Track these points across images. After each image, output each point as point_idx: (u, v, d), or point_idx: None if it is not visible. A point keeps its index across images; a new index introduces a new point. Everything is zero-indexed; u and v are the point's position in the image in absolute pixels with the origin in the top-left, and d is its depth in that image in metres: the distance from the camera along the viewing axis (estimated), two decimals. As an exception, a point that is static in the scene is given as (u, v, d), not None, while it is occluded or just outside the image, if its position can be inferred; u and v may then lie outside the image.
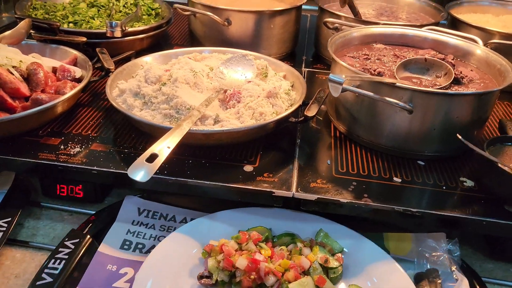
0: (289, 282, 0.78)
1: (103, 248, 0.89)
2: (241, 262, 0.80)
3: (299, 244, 0.87)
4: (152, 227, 0.96)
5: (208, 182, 0.88)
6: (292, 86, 1.14)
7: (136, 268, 0.85)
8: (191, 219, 0.97)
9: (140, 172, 0.78)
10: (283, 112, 1.01)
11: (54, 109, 1.00)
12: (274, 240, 0.89)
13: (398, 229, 0.96)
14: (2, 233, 0.87)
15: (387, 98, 0.87)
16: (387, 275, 0.83)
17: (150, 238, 0.94)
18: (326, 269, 0.84)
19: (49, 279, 0.78)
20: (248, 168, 0.93)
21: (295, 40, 1.52)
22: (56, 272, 0.79)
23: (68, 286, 0.79)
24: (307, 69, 1.44)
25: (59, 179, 0.99)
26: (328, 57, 1.46)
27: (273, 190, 0.87)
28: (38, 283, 0.77)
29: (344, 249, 0.88)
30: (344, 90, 0.85)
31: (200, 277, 0.82)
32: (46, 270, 0.80)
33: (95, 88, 1.21)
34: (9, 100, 0.98)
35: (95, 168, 0.91)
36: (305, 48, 1.61)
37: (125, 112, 0.95)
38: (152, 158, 0.80)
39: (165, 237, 0.91)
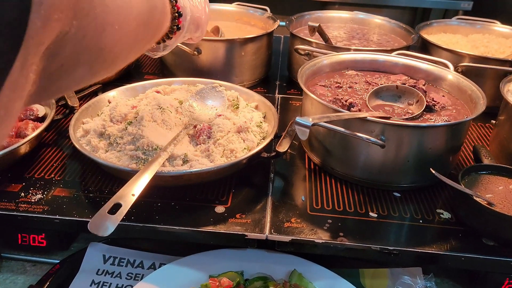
0: None
1: None
2: None
3: None
4: (118, 275, 0.90)
5: (178, 228, 0.85)
6: (264, 117, 1.12)
7: None
8: (160, 264, 0.92)
9: (102, 226, 0.73)
10: (255, 147, 0.98)
11: (14, 153, 0.95)
12: (246, 284, 0.85)
13: (374, 264, 0.93)
14: (-44, 293, 0.81)
15: (358, 134, 0.85)
16: None
17: None
18: None
19: None
20: (220, 209, 0.90)
21: (267, 66, 1.50)
22: None
23: None
24: (281, 95, 1.41)
25: (21, 228, 0.94)
26: (301, 82, 1.44)
27: (246, 233, 0.84)
28: None
29: (320, 290, 0.85)
30: (314, 125, 0.83)
31: None
32: None
33: (59, 126, 1.17)
34: (-36, 146, 0.93)
35: (57, 216, 0.86)
36: (278, 71, 1.59)
37: (89, 155, 0.91)
38: (115, 208, 0.76)
39: (132, 286, 0.86)
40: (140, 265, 0.93)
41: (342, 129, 0.86)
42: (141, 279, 0.87)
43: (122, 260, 0.93)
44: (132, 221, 0.85)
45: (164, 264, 0.90)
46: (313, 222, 0.87)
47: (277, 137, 1.01)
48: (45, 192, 0.92)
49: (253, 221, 0.87)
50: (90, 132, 1.00)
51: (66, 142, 1.10)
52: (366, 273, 0.91)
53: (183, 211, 0.89)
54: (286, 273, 0.87)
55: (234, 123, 1.03)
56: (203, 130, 1.01)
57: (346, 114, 0.90)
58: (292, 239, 0.83)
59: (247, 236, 0.84)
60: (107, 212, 0.75)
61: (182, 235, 0.85)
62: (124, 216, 0.75)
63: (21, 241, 0.93)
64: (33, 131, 1.00)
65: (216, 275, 0.85)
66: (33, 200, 0.89)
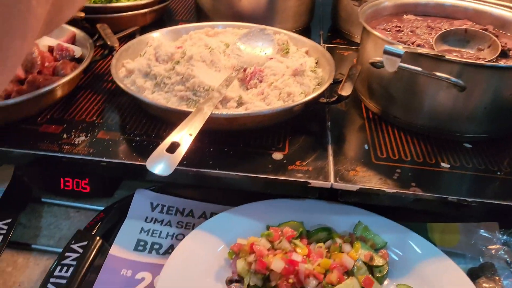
0: (333, 285, 0.69)
1: (115, 250, 0.78)
2: (277, 264, 0.69)
3: (338, 240, 0.77)
4: (168, 224, 0.85)
5: (235, 173, 0.78)
6: (316, 63, 1.03)
7: (154, 272, 0.75)
8: (211, 214, 0.87)
9: (160, 165, 0.67)
10: (311, 92, 0.91)
11: (54, 93, 0.88)
12: (309, 235, 0.80)
13: (443, 218, 0.86)
14: (2, 236, 0.76)
15: (438, 73, 0.77)
16: (439, 272, 0.74)
17: (167, 237, 0.83)
18: (370, 268, 0.74)
19: None
20: (277, 155, 0.83)
21: (311, 13, 1.40)
22: (64, 282, 0.68)
23: None
24: (326, 45, 1.32)
25: (63, 171, 0.88)
26: (349, 30, 1.35)
27: (309, 181, 0.77)
28: None
29: (388, 243, 0.79)
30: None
31: (230, 281, 0.72)
32: (52, 280, 0.68)
33: (96, 69, 1.09)
34: (2, 83, 0.86)
35: (104, 159, 0.80)
36: (321, 22, 1.49)
37: (136, 95, 0.84)
38: (172, 147, 0.70)
39: (183, 235, 0.81)
40: (190, 214, 0.87)
41: (420, 69, 0.77)
42: (193, 228, 0.82)
43: (170, 209, 0.88)
44: (184, 165, 0.79)
45: (215, 213, 0.84)
46: (380, 172, 0.80)
47: (335, 83, 0.93)
48: (88, 135, 0.86)
49: (315, 169, 0.80)
50: (134, 72, 0.92)
51: (105, 85, 1.03)
52: (435, 227, 0.84)
53: (238, 157, 0.82)
54: (349, 225, 0.81)
55: (288, 67, 0.95)
56: (254, 74, 0.93)
57: (431, 52, 0.81)
58: (360, 188, 0.77)
59: (310, 184, 0.77)
60: (165, 151, 0.68)
61: (239, 182, 0.79)
62: (177, 160, 0.69)
63: (63, 186, 0.88)
64: (72, 71, 0.93)
65: (276, 225, 0.79)
66: (76, 142, 0.83)
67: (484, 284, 0.74)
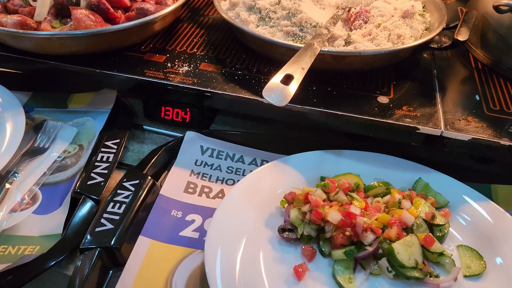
0: (391, 241, 0.65)
1: (165, 191, 0.76)
2: (334, 215, 0.66)
3: (397, 196, 0.73)
4: (218, 168, 0.83)
5: (340, 113, 0.76)
6: (423, 7, 0.97)
7: (204, 215, 0.74)
8: (262, 161, 0.83)
9: (276, 95, 0.67)
10: (419, 37, 0.86)
11: (160, 21, 0.89)
12: (366, 190, 0.76)
13: (509, 180, 0.80)
14: (113, 155, 0.80)
15: None
16: (504, 234, 0.69)
17: (217, 181, 0.81)
18: (430, 226, 0.70)
19: (109, 226, 0.67)
20: (383, 99, 0.80)
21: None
22: (117, 218, 0.68)
23: (130, 233, 0.68)
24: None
25: (163, 100, 0.90)
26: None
27: (418, 126, 0.74)
28: (97, 229, 0.66)
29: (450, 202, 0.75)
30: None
31: (282, 230, 0.70)
32: (105, 215, 0.69)
33: (192, 3, 1.09)
34: (111, 9, 0.88)
35: (209, 90, 0.81)
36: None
37: (242, 27, 0.83)
38: (287, 80, 0.69)
39: (233, 180, 0.80)
40: (241, 160, 0.84)
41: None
42: (243, 174, 0.81)
43: (220, 153, 0.85)
44: (289, 102, 0.78)
45: (266, 161, 0.82)
46: (494, 124, 0.76)
47: (448, 28, 0.87)
48: (191, 66, 0.86)
49: (424, 116, 0.77)
50: (238, 5, 0.91)
51: (202, 19, 1.02)
52: (500, 189, 0.79)
53: (341, 98, 0.80)
54: (408, 181, 0.78)
55: (396, 8, 0.90)
56: (359, 14, 0.89)
57: None
58: (472, 138, 0.73)
59: (419, 129, 0.75)
60: (280, 82, 0.67)
61: (343, 122, 0.77)
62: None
63: (164, 114, 0.90)
64: (173, 3, 0.93)
65: (332, 176, 0.77)
66: (181, 72, 0.85)
67: None
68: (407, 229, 0.68)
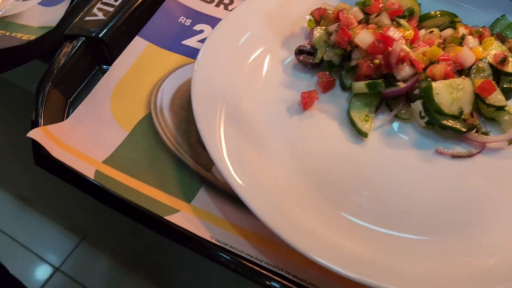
0: (433, 80, 0.49)
1: None
2: (364, 37, 0.51)
3: (462, 30, 0.54)
4: None
5: None
6: None
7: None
8: None
9: None
10: None
11: None
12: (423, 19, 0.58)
13: None
14: None
15: None
16: None
17: None
18: (497, 74, 0.52)
19: (100, 16, 0.58)
20: None
21: None
22: (111, 9, 0.58)
23: (124, 30, 0.59)
24: None
25: None
26: None
27: None
28: (87, 18, 0.58)
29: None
30: None
31: (299, 51, 0.56)
32: (99, 5, 0.59)
33: None
34: None
35: None
36: None
37: None
38: None
39: None
40: None
41: None
42: None
43: None
44: None
45: None
46: None
47: None
48: None
49: None
50: None
51: None
52: None
53: None
54: (487, 21, 0.57)
55: None
56: None
57: None
58: None
59: None
60: None
61: None
62: None
63: None
64: None
65: None
66: None
67: None
68: (463, 72, 0.52)
